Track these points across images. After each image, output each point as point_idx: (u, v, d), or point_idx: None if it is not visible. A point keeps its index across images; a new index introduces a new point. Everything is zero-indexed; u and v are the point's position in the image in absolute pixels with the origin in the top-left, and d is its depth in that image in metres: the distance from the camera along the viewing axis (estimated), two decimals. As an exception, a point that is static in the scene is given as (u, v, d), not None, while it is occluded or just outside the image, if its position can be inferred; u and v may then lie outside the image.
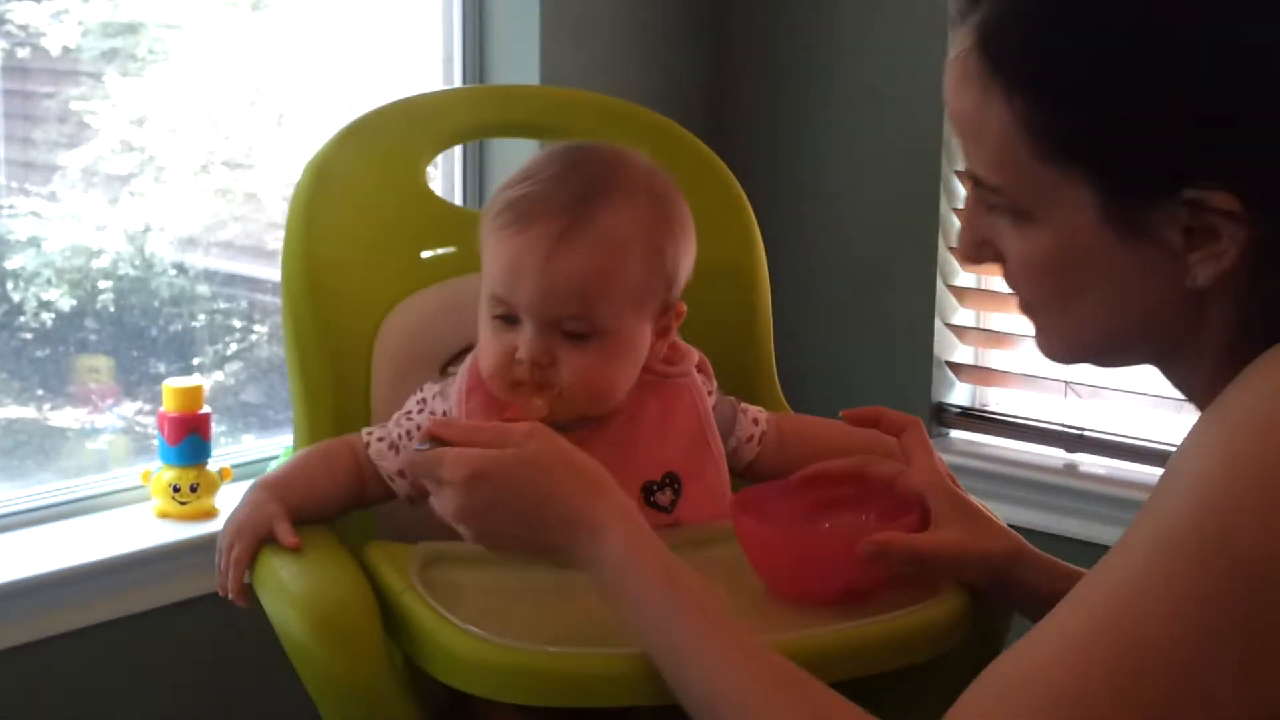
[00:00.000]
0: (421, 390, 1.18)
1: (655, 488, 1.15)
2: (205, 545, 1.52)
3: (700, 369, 1.22)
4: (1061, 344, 0.90)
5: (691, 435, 1.18)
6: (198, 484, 1.55)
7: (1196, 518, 0.76)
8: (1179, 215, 0.80)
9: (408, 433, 1.15)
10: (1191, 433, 0.80)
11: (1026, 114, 0.83)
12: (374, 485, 1.15)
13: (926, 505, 1.08)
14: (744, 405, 1.26)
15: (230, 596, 1.10)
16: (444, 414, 1.15)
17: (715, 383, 1.24)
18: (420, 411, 1.16)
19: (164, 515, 1.55)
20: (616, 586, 0.95)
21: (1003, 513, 1.13)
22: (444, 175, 1.77)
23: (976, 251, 0.90)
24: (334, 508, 1.16)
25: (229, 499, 1.56)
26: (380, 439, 1.16)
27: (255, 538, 1.09)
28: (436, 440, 0.98)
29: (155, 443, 1.57)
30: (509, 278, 1.09)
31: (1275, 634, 0.74)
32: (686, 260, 1.15)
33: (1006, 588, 1.06)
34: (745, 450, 1.24)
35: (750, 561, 1.08)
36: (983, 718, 0.78)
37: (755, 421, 1.25)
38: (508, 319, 1.10)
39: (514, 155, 1.75)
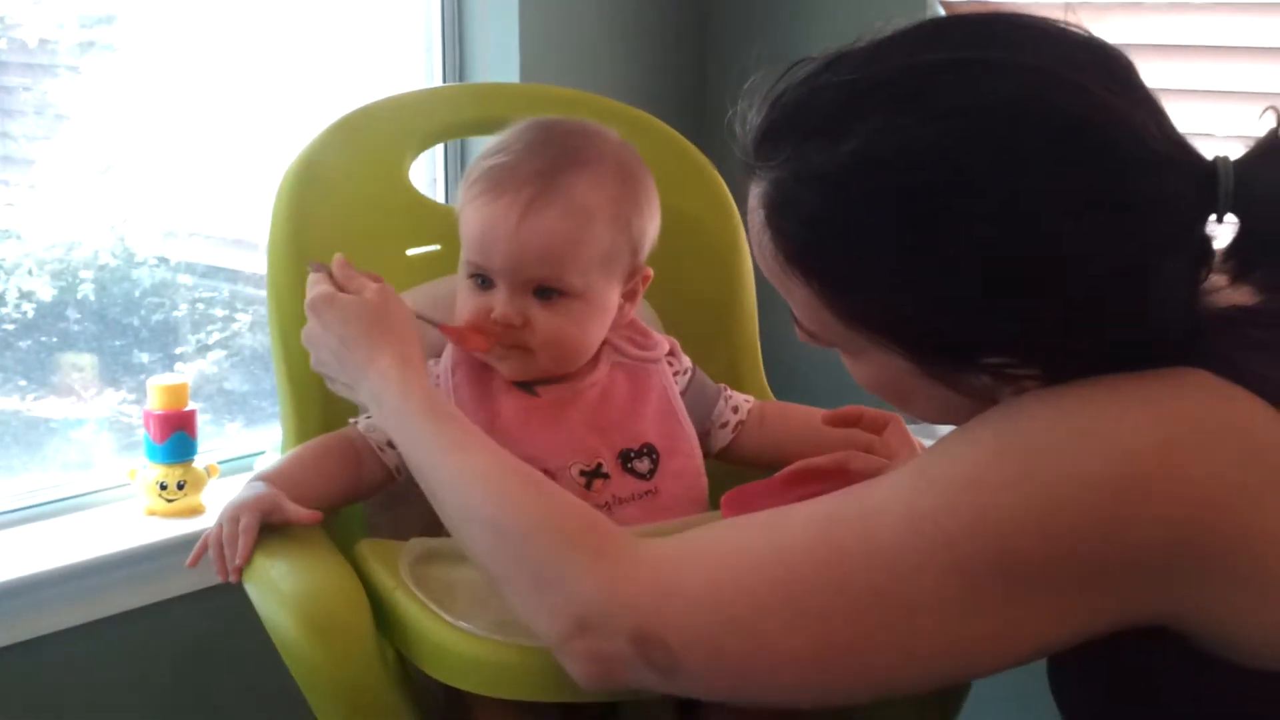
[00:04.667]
0: None
1: (633, 455, 1.20)
2: (194, 542, 1.51)
3: (671, 353, 1.28)
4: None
5: (663, 414, 1.23)
6: (185, 481, 1.55)
7: (957, 463, 0.83)
8: (984, 370, 0.85)
9: None
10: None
11: (825, 297, 0.87)
12: (370, 467, 1.18)
13: None
14: (730, 393, 1.29)
15: (234, 567, 1.08)
16: (434, 379, 1.20)
17: (688, 361, 1.29)
18: None
19: (152, 513, 1.55)
20: (393, 420, 1.06)
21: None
22: (425, 172, 1.77)
23: (810, 342, 0.94)
24: (331, 497, 1.17)
25: (217, 496, 1.57)
26: (368, 416, 1.19)
27: (259, 511, 1.09)
28: (326, 269, 1.15)
29: (140, 434, 1.57)
30: (482, 243, 1.16)
31: (990, 582, 0.79)
32: (651, 229, 1.22)
33: None
34: (719, 435, 1.29)
35: None
36: (713, 542, 0.88)
37: (736, 410, 1.29)
38: (483, 281, 1.17)
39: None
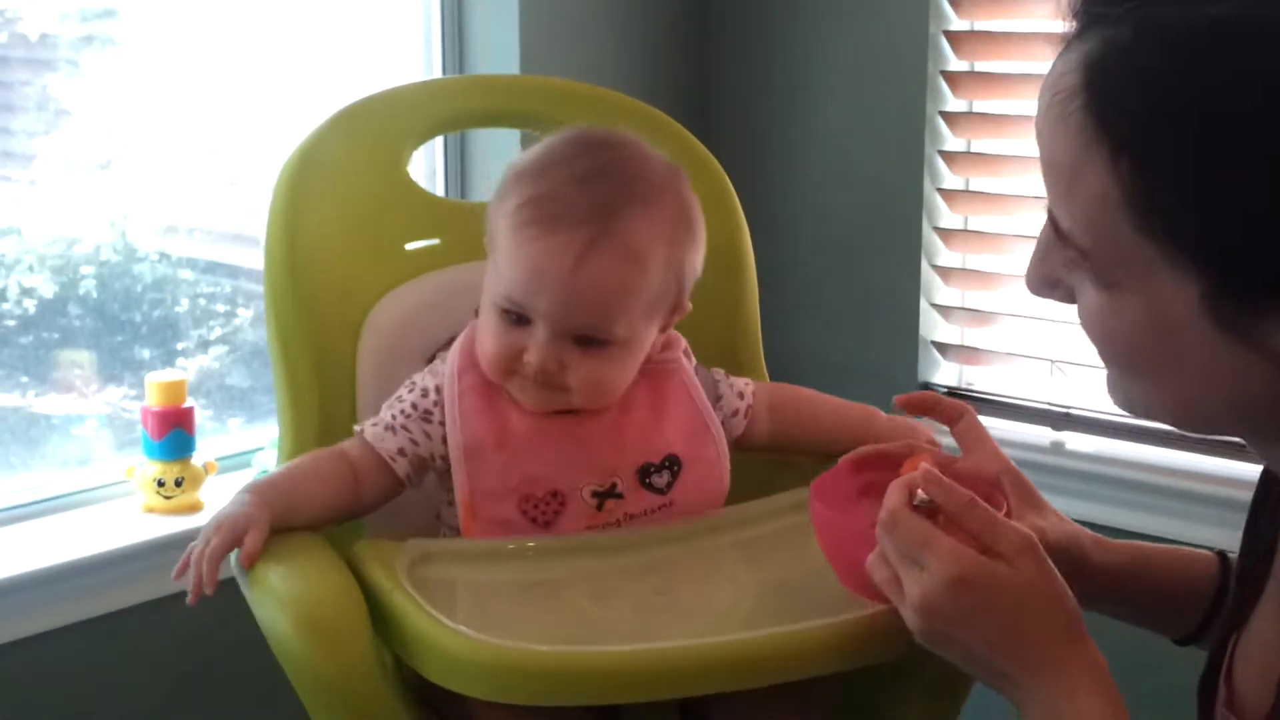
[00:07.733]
0: (410, 380, 1.18)
1: (652, 469, 1.15)
2: (191, 540, 1.52)
3: (685, 353, 1.22)
4: (1129, 404, 0.80)
5: (689, 419, 1.18)
6: (182, 478, 1.54)
7: None
8: None
9: (401, 411, 1.15)
10: None
11: (1133, 184, 0.71)
12: (370, 480, 1.13)
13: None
14: (731, 379, 1.26)
15: (193, 589, 1.06)
16: (435, 389, 1.15)
17: (693, 359, 1.24)
18: (410, 392, 1.16)
19: (149, 510, 1.54)
20: None
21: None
22: (425, 165, 1.76)
23: (1045, 289, 0.80)
24: (325, 513, 1.13)
25: (214, 493, 1.56)
26: (374, 424, 1.15)
27: (234, 534, 1.07)
28: (930, 502, 0.88)
29: (139, 430, 1.56)
30: (530, 283, 1.08)
31: None
32: (698, 262, 1.16)
33: (1077, 575, 0.97)
34: (732, 424, 1.23)
35: (832, 555, 1.00)
36: None
37: (740, 395, 1.24)
38: (518, 318, 1.10)
39: (496, 145, 1.74)
